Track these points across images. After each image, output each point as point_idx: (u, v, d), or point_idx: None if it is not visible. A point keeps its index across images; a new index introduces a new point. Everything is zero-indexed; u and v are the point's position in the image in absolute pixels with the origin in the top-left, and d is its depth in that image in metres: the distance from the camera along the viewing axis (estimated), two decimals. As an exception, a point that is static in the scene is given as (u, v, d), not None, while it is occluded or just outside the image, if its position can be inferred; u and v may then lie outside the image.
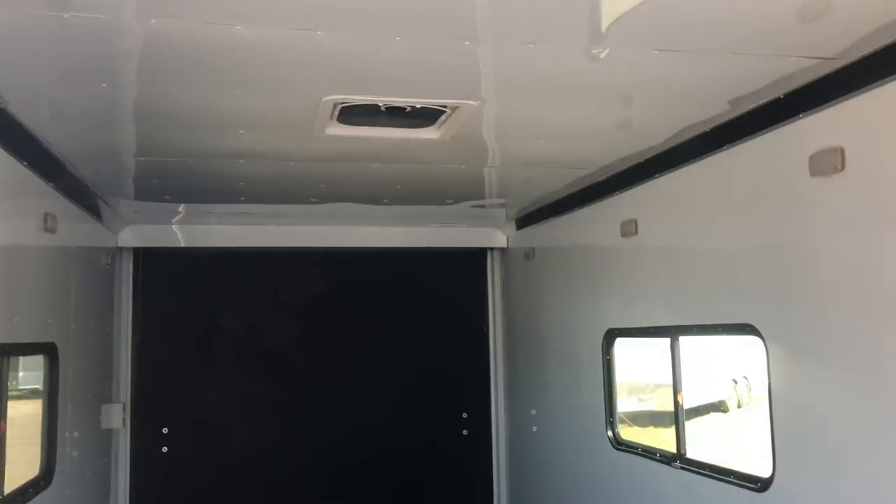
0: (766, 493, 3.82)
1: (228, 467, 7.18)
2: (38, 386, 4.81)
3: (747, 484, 4.01)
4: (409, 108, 3.88)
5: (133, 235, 6.81)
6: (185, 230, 6.93)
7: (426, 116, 4.06)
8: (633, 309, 5.25)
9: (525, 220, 7.14)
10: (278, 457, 7.28)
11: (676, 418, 4.74)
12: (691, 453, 4.67)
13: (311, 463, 7.35)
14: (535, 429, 6.99)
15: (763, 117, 3.85)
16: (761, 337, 3.87)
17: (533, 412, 7.03)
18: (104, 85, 3.47)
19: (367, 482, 7.47)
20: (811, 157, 3.52)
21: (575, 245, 6.23)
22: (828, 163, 3.43)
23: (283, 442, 7.31)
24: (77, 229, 5.47)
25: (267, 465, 7.25)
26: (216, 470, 7.16)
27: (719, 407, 16.06)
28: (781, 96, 3.67)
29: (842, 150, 3.36)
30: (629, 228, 5.15)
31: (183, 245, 6.96)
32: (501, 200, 6.55)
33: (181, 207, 6.42)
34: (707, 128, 4.22)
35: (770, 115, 3.79)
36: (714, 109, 3.95)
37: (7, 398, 4.00)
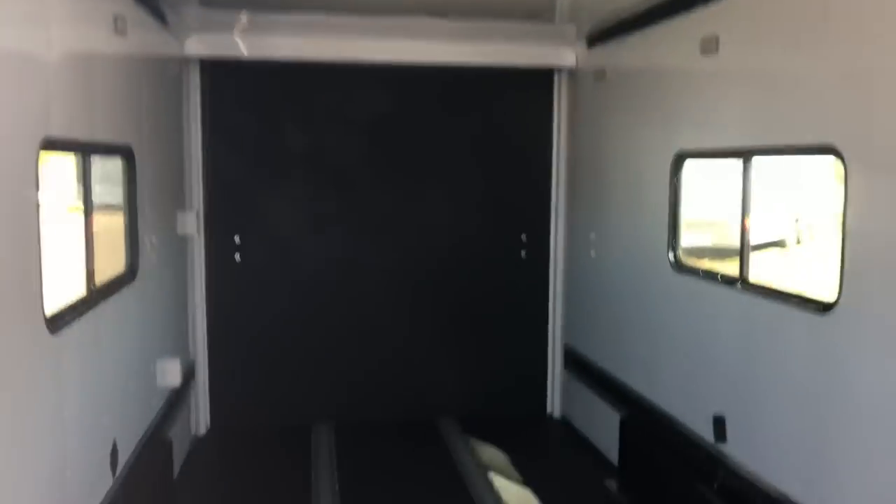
0: (829, 316, 3.85)
1: (296, 276, 7.52)
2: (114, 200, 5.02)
3: (809, 307, 4.03)
4: None
5: (199, 45, 6.77)
6: (249, 40, 6.85)
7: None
8: (706, 130, 5.10)
9: (597, 39, 6.84)
10: (342, 268, 7.57)
11: (742, 242, 4.71)
12: (753, 278, 4.68)
13: (374, 276, 7.63)
14: (593, 253, 7.07)
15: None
16: (842, 158, 3.74)
17: (592, 236, 7.08)
18: None
19: (426, 297, 7.75)
20: (924, -36, 3.23)
21: (650, 64, 5.98)
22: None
23: (347, 255, 7.57)
24: (145, 35, 5.46)
25: (331, 276, 7.56)
26: (284, 278, 7.51)
27: (778, 243, 15.94)
28: None
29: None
30: (710, 46, 4.90)
31: (247, 56, 6.90)
32: (573, 15, 6.26)
33: (245, 16, 6.33)
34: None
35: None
36: None
37: (92, 195, 4.18)
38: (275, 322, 7.51)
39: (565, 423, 7.76)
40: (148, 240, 5.33)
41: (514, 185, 7.81)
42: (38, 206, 3.28)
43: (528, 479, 6.38)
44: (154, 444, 5.32)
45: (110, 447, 4.29)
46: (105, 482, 4.18)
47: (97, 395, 4.14)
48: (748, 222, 4.69)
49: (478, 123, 7.69)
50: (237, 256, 7.36)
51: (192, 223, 6.80)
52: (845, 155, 3.73)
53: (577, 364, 7.42)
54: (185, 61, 6.85)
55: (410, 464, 6.79)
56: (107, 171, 4.90)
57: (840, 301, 3.78)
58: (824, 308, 3.90)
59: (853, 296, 3.71)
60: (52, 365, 3.45)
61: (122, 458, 4.51)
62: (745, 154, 4.63)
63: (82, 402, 3.86)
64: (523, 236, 7.85)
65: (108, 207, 5.05)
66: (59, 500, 3.49)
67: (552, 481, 6.38)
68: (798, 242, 16.99)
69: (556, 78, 7.62)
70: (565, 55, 7.35)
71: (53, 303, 3.54)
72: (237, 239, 7.34)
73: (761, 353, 4.46)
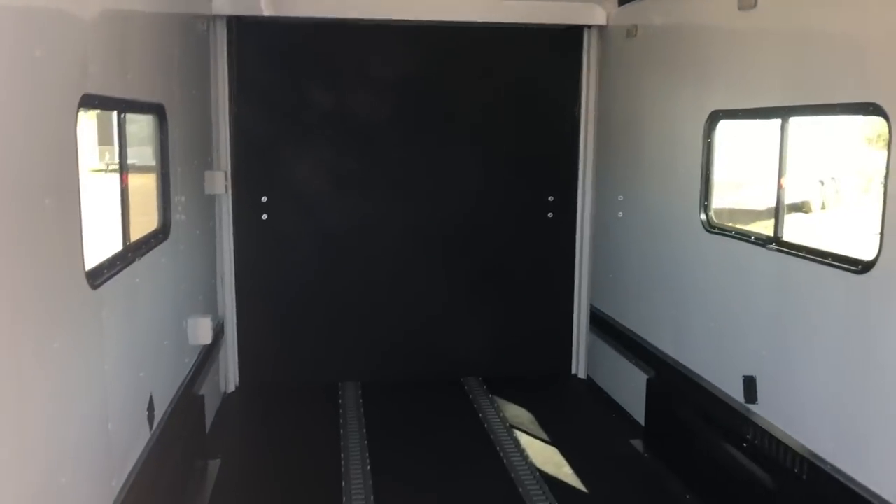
0: (867, 275, 3.81)
1: (322, 235, 7.55)
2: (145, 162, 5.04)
3: (846, 266, 4.00)
4: None
5: (226, 2, 6.73)
6: (274, -2, 6.80)
7: None
8: (742, 89, 5.02)
9: (629, -5, 6.73)
10: (369, 228, 7.58)
11: (777, 201, 4.66)
12: (788, 237, 4.64)
13: (400, 236, 7.65)
14: (620, 214, 7.03)
15: None
16: (885, 117, 3.67)
17: (620, 198, 7.03)
18: None
19: (452, 257, 7.77)
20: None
21: (684, 21, 5.87)
22: None
23: (372, 216, 7.57)
24: (174, -9, 5.43)
25: (358, 236, 7.58)
26: (311, 238, 7.55)
27: (801, 207, 15.78)
28: None
29: None
30: (748, 0, 4.79)
31: (273, 14, 6.85)
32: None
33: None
34: None
35: None
36: None
37: (127, 152, 4.20)
38: (302, 281, 7.56)
39: (590, 384, 7.80)
40: (177, 201, 5.36)
41: (542, 145, 7.74)
42: (77, 162, 3.30)
43: (553, 437, 6.43)
44: (187, 399, 5.40)
45: (147, 401, 4.37)
46: (143, 435, 4.27)
47: (135, 350, 4.20)
48: (784, 182, 4.63)
49: (505, 83, 7.61)
50: (264, 216, 7.39)
51: (220, 182, 6.82)
52: (889, 114, 3.65)
53: (602, 325, 7.43)
54: (212, 19, 6.81)
55: (437, 421, 6.87)
56: (131, 131, 4.91)
57: (879, 260, 3.74)
58: (863, 267, 3.86)
59: (894, 255, 3.67)
60: (92, 319, 3.50)
61: (158, 412, 4.59)
62: (783, 114, 4.56)
63: (121, 356, 3.92)
64: (550, 197, 7.81)
65: (134, 168, 5.07)
66: (104, 452, 3.57)
67: (577, 440, 6.43)
68: (823, 207, 16.79)
69: (585, 36, 7.50)
70: (595, 12, 7.24)
71: (92, 258, 3.58)
72: (264, 198, 7.36)
73: (795, 312, 4.44)
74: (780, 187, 4.65)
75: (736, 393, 4.96)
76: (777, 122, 4.62)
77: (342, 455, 6.02)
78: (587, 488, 5.58)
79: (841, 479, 3.96)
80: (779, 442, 4.53)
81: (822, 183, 16.86)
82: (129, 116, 4.37)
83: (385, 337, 7.73)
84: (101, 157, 7.62)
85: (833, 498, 4.02)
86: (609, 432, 6.67)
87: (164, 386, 4.82)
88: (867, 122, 3.85)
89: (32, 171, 2.86)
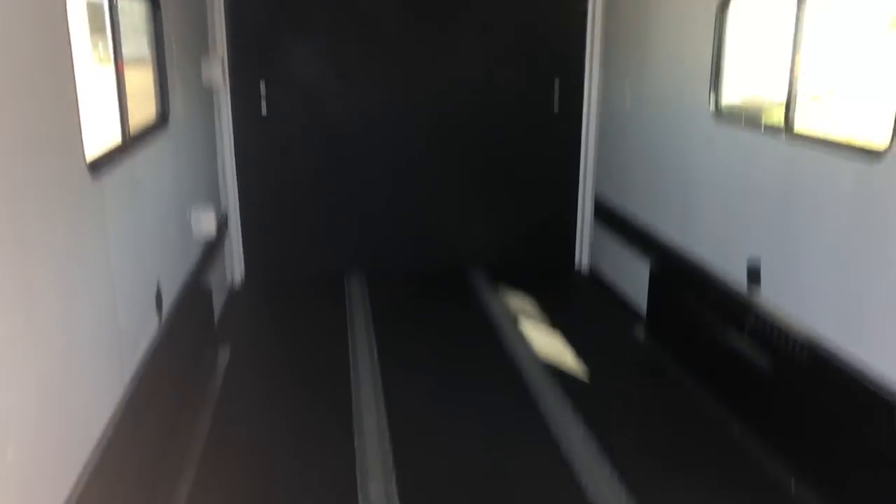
0: (880, 164, 3.75)
1: (323, 127, 7.42)
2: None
3: (858, 155, 3.93)
4: None
5: None
6: None
7: None
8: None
9: None
10: (371, 118, 7.44)
11: (789, 87, 4.54)
12: (800, 126, 4.55)
13: (403, 127, 7.52)
14: (628, 101, 6.89)
15: None
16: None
17: (628, 83, 6.87)
18: None
19: (456, 148, 7.67)
20: None
21: None
22: None
23: (375, 104, 7.42)
24: None
25: (360, 126, 7.45)
26: (311, 130, 7.42)
27: (812, 95, 15.38)
28: None
29: None
30: None
31: None
32: None
33: None
34: None
35: None
36: None
37: (121, 39, 4.07)
38: (303, 174, 7.50)
39: (594, 277, 7.85)
40: (175, 90, 5.24)
41: (549, 30, 7.51)
42: (69, 44, 3.19)
43: (555, 326, 6.53)
44: (195, 290, 5.46)
45: (155, 291, 4.41)
46: (152, 324, 4.32)
47: (140, 240, 4.21)
48: (798, 65, 4.49)
49: None
50: (263, 107, 7.24)
51: (217, 70, 6.64)
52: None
53: (607, 215, 7.41)
54: None
55: (441, 311, 6.97)
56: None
57: (892, 148, 3.67)
58: (874, 156, 3.80)
59: (906, 143, 3.60)
60: (96, 210, 3.48)
61: (166, 302, 4.64)
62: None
63: (127, 245, 3.92)
64: (556, 85, 7.62)
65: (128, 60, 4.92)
66: (115, 341, 3.63)
67: (579, 329, 6.53)
68: (831, 92, 16.42)
69: (593, -90, 7.16)
70: None
71: (93, 149, 3.52)
72: (262, 88, 7.18)
73: (803, 200, 4.40)
74: (792, 71, 4.52)
75: (740, 279, 4.99)
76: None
77: (349, 343, 6.13)
78: (588, 374, 5.71)
79: (842, 359, 4.02)
80: (782, 325, 4.57)
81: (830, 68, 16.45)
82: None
83: (389, 229, 7.73)
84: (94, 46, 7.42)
85: (834, 379, 4.09)
86: (611, 321, 6.77)
87: (171, 276, 4.85)
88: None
89: (22, 53, 2.76)
